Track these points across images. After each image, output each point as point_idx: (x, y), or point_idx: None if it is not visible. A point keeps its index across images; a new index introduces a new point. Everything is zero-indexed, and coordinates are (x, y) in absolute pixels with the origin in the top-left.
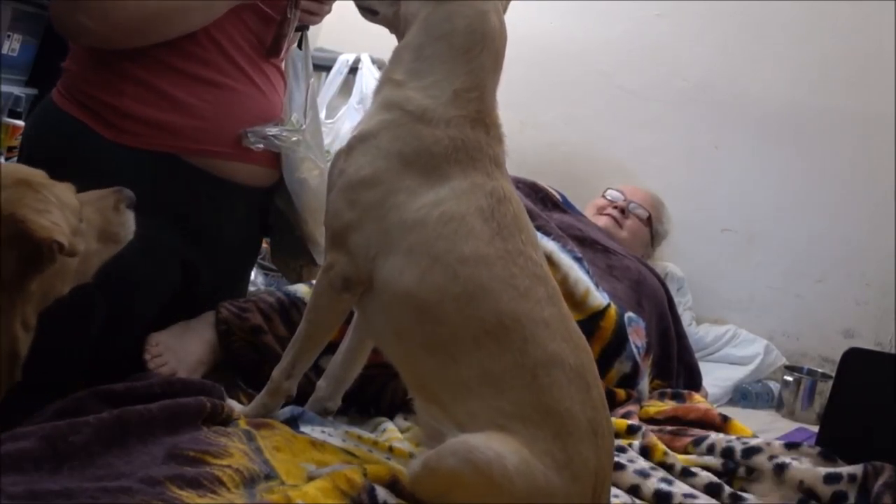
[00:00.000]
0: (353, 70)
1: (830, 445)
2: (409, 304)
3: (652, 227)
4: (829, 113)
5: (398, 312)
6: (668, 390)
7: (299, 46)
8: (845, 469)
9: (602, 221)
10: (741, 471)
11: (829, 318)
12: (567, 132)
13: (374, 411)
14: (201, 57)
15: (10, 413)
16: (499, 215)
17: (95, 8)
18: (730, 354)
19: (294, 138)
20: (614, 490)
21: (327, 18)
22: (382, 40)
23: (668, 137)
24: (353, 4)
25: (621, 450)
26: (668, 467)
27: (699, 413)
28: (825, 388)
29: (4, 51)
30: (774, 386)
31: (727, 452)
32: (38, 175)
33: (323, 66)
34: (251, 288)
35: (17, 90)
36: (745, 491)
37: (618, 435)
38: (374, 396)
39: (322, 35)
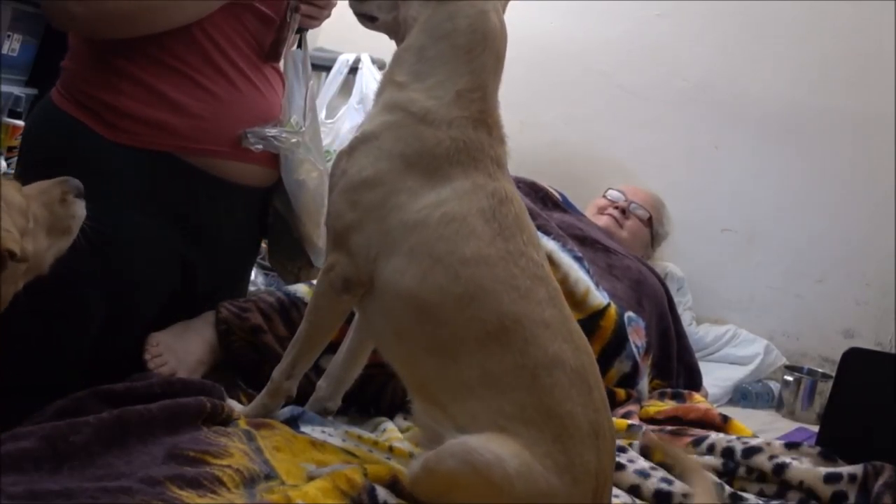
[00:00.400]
0: (353, 70)
1: (830, 445)
2: (410, 305)
3: (652, 228)
4: (829, 113)
5: (399, 313)
6: (668, 390)
7: (298, 47)
8: (845, 469)
9: (603, 221)
10: (741, 471)
11: (829, 318)
12: (567, 132)
13: (374, 411)
14: (200, 57)
15: (10, 413)
16: (500, 216)
17: None
18: (730, 354)
19: (293, 140)
20: (614, 490)
21: (327, 19)
22: (382, 40)
23: (668, 137)
24: None
25: (622, 450)
26: (669, 467)
27: (699, 413)
28: (825, 388)
29: (4, 51)
30: (774, 386)
31: (727, 452)
32: None
33: (323, 66)
34: (251, 288)
35: (17, 90)
36: (745, 491)
37: (618, 435)
38: (374, 396)
39: (322, 35)
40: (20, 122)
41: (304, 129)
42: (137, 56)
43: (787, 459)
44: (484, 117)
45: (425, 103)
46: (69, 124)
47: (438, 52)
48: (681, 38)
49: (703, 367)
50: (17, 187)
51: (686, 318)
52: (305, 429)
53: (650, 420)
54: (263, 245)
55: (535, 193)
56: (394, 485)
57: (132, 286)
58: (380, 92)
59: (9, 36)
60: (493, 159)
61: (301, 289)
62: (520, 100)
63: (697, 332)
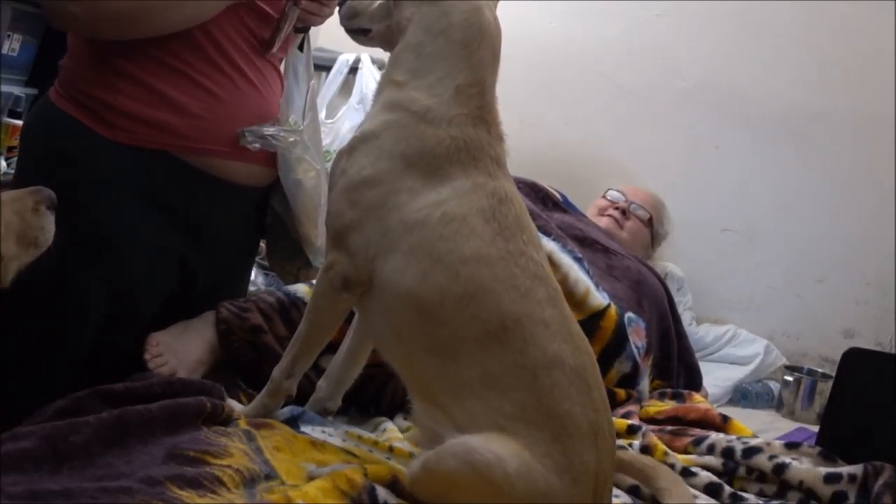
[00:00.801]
0: (353, 70)
1: (830, 445)
2: (410, 305)
3: (652, 228)
4: (829, 113)
5: (399, 313)
6: (668, 390)
7: (301, 48)
8: (845, 469)
9: (603, 222)
10: (741, 471)
11: (829, 318)
12: (567, 132)
13: (374, 411)
14: (199, 56)
15: (10, 413)
16: (500, 216)
17: None
18: (730, 354)
19: (291, 139)
20: (615, 490)
21: (329, 17)
22: None
23: (668, 137)
24: None
25: (621, 449)
26: (669, 467)
27: (699, 413)
28: (825, 388)
29: (4, 51)
30: (774, 386)
31: (727, 452)
32: None
33: (323, 66)
34: (251, 288)
35: (17, 90)
36: (745, 491)
37: (618, 435)
38: (374, 396)
39: (322, 35)
40: (20, 122)
41: (302, 128)
42: (136, 55)
43: (787, 459)
44: (483, 114)
45: (426, 101)
46: (67, 123)
47: (436, 49)
48: (681, 38)
49: (703, 367)
50: None
51: (686, 318)
52: (305, 429)
53: (650, 420)
54: (263, 245)
55: (536, 194)
56: (394, 485)
57: (131, 285)
58: (378, 92)
59: (9, 36)
60: (493, 158)
61: (301, 288)
62: (519, 100)
63: (697, 332)
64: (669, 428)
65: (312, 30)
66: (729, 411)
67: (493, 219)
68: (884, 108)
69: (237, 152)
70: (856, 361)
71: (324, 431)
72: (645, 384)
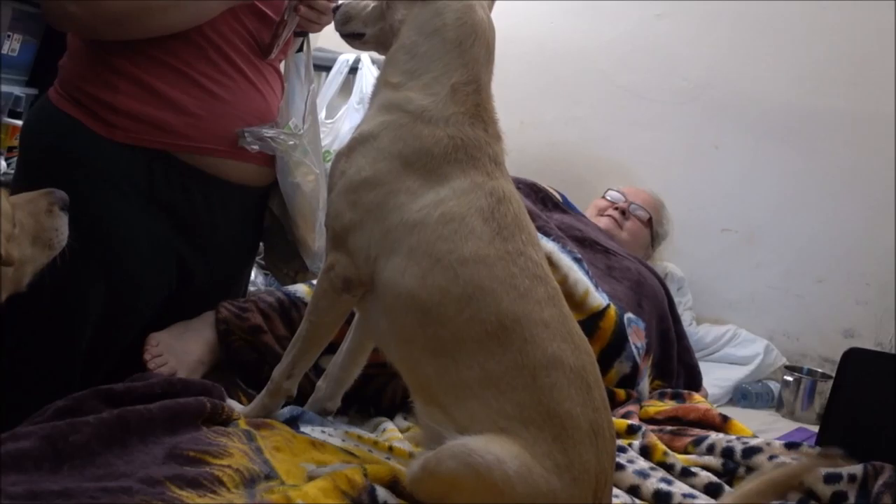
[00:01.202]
0: (353, 70)
1: (830, 445)
2: (410, 306)
3: (652, 229)
4: (829, 113)
5: (399, 314)
6: (668, 390)
7: (301, 51)
8: (845, 469)
9: (603, 223)
10: (741, 471)
11: (829, 318)
12: (567, 132)
13: (374, 411)
14: (198, 55)
15: (10, 413)
16: (499, 215)
17: None
18: (730, 354)
19: (290, 142)
20: (614, 490)
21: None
22: None
23: (668, 137)
24: None
25: (621, 450)
26: (668, 467)
27: (699, 413)
28: (825, 388)
29: (4, 51)
30: (774, 386)
31: (727, 452)
32: None
33: (323, 66)
34: (251, 288)
35: (17, 90)
36: None
37: (618, 435)
38: (374, 396)
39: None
40: (20, 122)
41: (302, 131)
42: (135, 54)
43: (787, 459)
44: (479, 112)
45: (422, 101)
46: (67, 123)
47: (430, 48)
48: (681, 38)
49: (703, 367)
50: (3, 194)
51: (686, 318)
52: (305, 429)
53: (650, 420)
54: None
55: (536, 194)
56: (394, 485)
57: (130, 284)
58: (374, 94)
59: (9, 36)
60: (491, 157)
61: (301, 289)
62: (519, 100)
63: (697, 332)
64: (669, 428)
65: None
66: (729, 411)
67: (492, 218)
68: (884, 108)
69: (236, 152)
70: (856, 361)
71: (324, 431)
72: (645, 384)
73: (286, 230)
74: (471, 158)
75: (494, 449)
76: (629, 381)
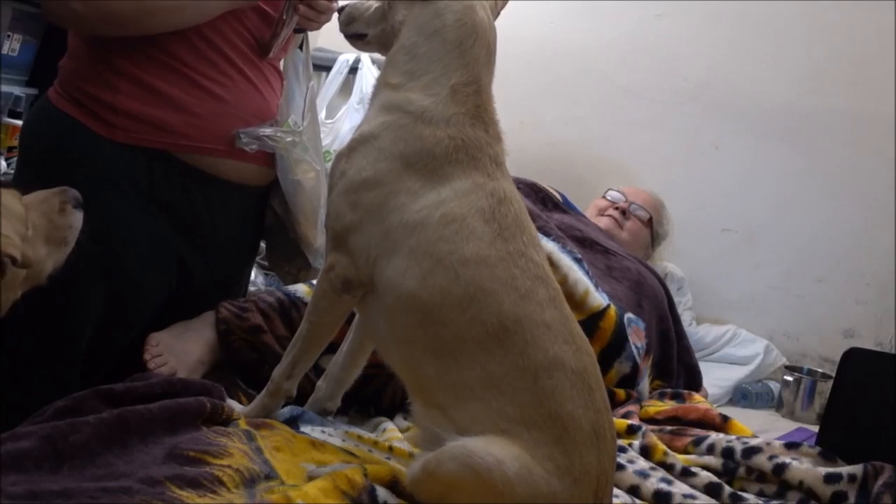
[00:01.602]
0: (353, 70)
1: (830, 445)
2: (411, 307)
3: (652, 229)
4: (829, 113)
5: (400, 315)
6: (668, 390)
7: (300, 48)
8: (845, 469)
9: (603, 223)
10: (741, 471)
11: (829, 318)
12: (567, 132)
13: (374, 411)
14: (197, 55)
15: (10, 413)
16: (500, 216)
17: None
18: (730, 354)
19: (289, 139)
20: (614, 490)
21: (327, 22)
22: None
23: (668, 137)
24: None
25: (621, 450)
26: (668, 467)
27: (699, 413)
28: (825, 388)
29: (4, 51)
30: (774, 386)
31: (727, 452)
32: None
33: (323, 66)
34: (251, 288)
35: (17, 90)
36: (745, 491)
37: (618, 435)
38: (374, 396)
39: (322, 35)
40: (20, 122)
41: (301, 128)
42: (135, 54)
43: (787, 459)
44: (480, 112)
45: (422, 102)
46: (66, 122)
47: (430, 49)
48: (681, 38)
49: (703, 367)
50: (16, 195)
51: (686, 318)
52: (305, 429)
53: (650, 420)
54: (263, 245)
55: (536, 194)
56: (394, 485)
57: (130, 284)
58: (374, 95)
59: (9, 36)
60: (492, 158)
61: (301, 289)
62: (520, 100)
63: (697, 332)
64: (669, 428)
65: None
66: (729, 411)
67: (493, 219)
68: (884, 108)
69: (236, 152)
70: (856, 361)
71: (324, 431)
72: (645, 384)
73: (288, 228)
74: (472, 159)
75: (494, 450)
76: (629, 381)
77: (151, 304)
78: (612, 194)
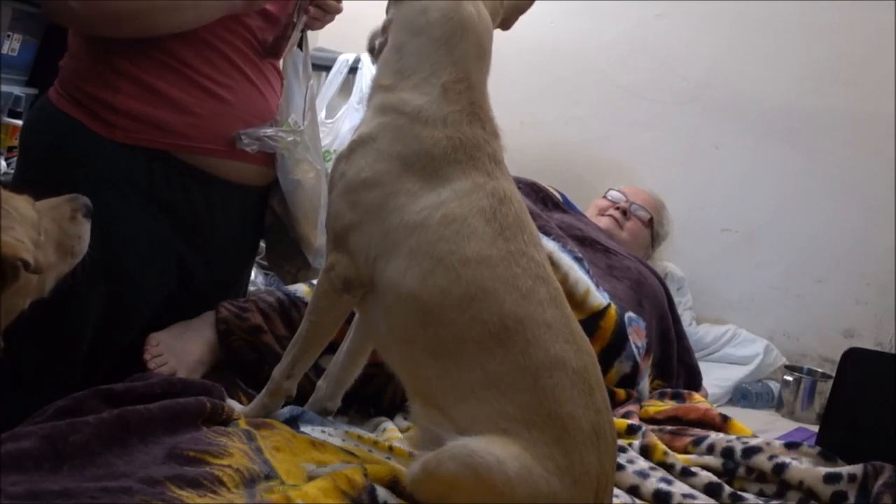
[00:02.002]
0: (353, 70)
1: (830, 445)
2: (411, 307)
3: (653, 230)
4: (829, 113)
5: (401, 315)
6: (668, 390)
7: (299, 47)
8: (845, 469)
9: (603, 222)
10: (741, 471)
11: (829, 318)
12: (567, 132)
13: (374, 411)
14: (197, 56)
15: (10, 413)
16: (500, 216)
17: None
18: (730, 354)
19: (290, 139)
20: (614, 490)
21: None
22: None
23: (668, 137)
24: (353, 5)
25: (621, 449)
26: (668, 467)
27: (699, 413)
28: (825, 388)
29: (4, 51)
30: (774, 386)
31: (727, 452)
32: None
33: (323, 66)
34: (251, 288)
35: (17, 90)
36: (745, 491)
37: (618, 435)
38: (374, 396)
39: (322, 35)
40: (20, 122)
41: (302, 128)
42: (136, 54)
43: (787, 459)
44: (475, 109)
45: (416, 102)
46: (66, 123)
47: (418, 47)
48: (681, 38)
49: (703, 367)
50: (29, 201)
51: (686, 318)
52: (305, 429)
53: (650, 420)
54: (263, 245)
55: (536, 194)
56: (394, 485)
57: (130, 284)
58: (369, 97)
59: (9, 36)
60: (491, 156)
61: (301, 288)
62: (520, 100)
63: (697, 332)
64: (669, 428)
65: (311, 30)
66: (729, 411)
67: (494, 219)
68: (884, 108)
69: (236, 152)
70: (856, 361)
71: (324, 431)
72: (645, 384)
73: (287, 227)
74: (471, 158)
75: (495, 450)
76: (629, 380)
77: (151, 304)
78: (613, 194)
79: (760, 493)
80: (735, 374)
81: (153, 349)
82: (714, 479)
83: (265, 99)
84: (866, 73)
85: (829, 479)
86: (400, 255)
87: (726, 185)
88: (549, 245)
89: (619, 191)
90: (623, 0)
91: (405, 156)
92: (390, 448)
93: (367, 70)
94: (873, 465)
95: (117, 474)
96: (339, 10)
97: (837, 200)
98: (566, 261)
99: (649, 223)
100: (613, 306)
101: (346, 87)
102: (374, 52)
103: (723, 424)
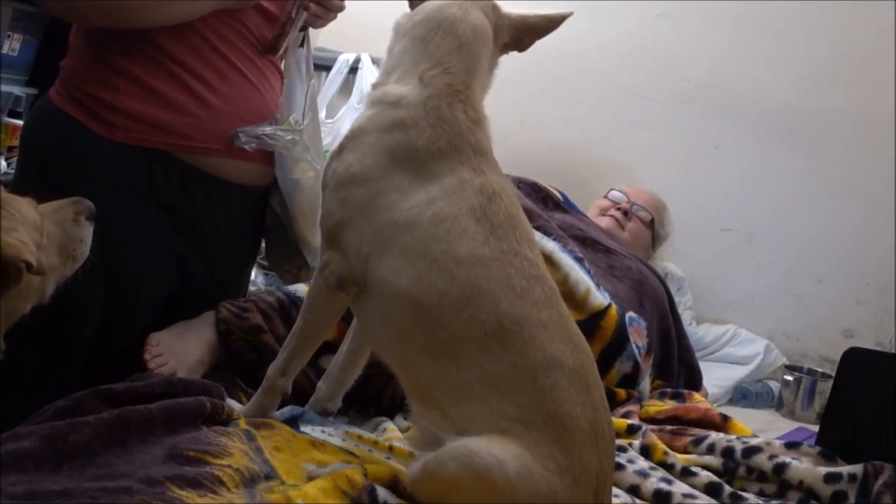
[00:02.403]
0: (353, 70)
1: (830, 445)
2: (406, 307)
3: (653, 230)
4: (829, 113)
5: (396, 315)
6: (668, 390)
7: (301, 46)
8: (845, 469)
9: (604, 222)
10: (741, 470)
11: (829, 318)
12: (567, 132)
13: (374, 411)
14: (198, 55)
15: (10, 413)
16: (491, 213)
17: None
18: (730, 354)
19: (289, 137)
20: (614, 490)
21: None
22: (382, 40)
23: (668, 137)
24: (353, 5)
25: (621, 449)
26: (669, 467)
27: (699, 413)
28: (825, 388)
29: (4, 51)
30: (774, 386)
31: (727, 452)
32: None
33: (323, 66)
34: (251, 288)
35: (17, 90)
36: (745, 491)
37: (618, 434)
38: (374, 396)
39: (322, 35)
40: (20, 122)
41: (302, 127)
42: (135, 54)
43: (787, 459)
44: (452, 92)
45: (398, 91)
46: (66, 123)
47: (402, 47)
48: (681, 38)
49: (703, 366)
50: (32, 203)
51: (686, 317)
52: (305, 429)
53: (650, 420)
54: (263, 244)
55: (536, 194)
56: (394, 485)
57: (130, 284)
58: (366, 97)
59: (9, 36)
60: (475, 147)
61: (301, 288)
62: (519, 100)
63: (697, 331)
64: (669, 428)
65: (313, 30)
66: (729, 411)
67: (485, 217)
68: (884, 108)
69: (236, 152)
70: (856, 361)
71: (324, 431)
72: (646, 384)
73: (287, 227)
74: (455, 150)
75: (495, 450)
76: (630, 380)
77: (151, 304)
78: (614, 194)
79: (760, 493)
80: (735, 373)
81: (153, 349)
82: (714, 478)
83: (265, 98)
84: (866, 73)
85: (830, 478)
86: (392, 253)
87: (726, 185)
88: (550, 245)
89: (620, 191)
90: (623, 0)
91: (392, 147)
92: (390, 448)
93: (368, 70)
94: (873, 464)
95: (117, 474)
96: (341, 9)
97: (837, 200)
98: (567, 261)
99: (650, 224)
100: (614, 306)
101: (346, 87)
102: None
103: (723, 424)
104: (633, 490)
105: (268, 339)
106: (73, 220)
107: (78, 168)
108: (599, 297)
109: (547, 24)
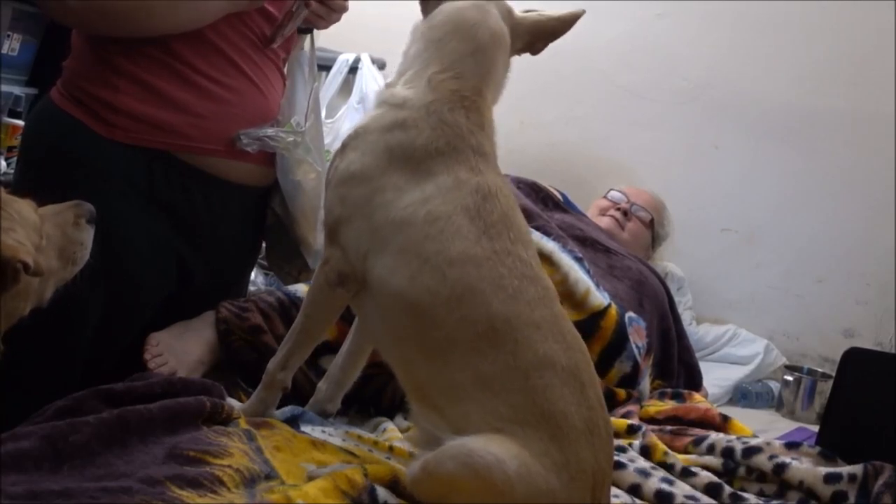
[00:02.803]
0: (353, 70)
1: (830, 445)
2: (401, 306)
3: (653, 230)
4: (829, 113)
5: (393, 314)
6: (668, 390)
7: (304, 48)
8: (845, 469)
9: (604, 222)
10: (741, 471)
11: (829, 318)
12: (567, 132)
13: (374, 411)
14: (198, 55)
15: (10, 413)
16: (485, 213)
17: None
18: (730, 354)
19: (290, 139)
20: (615, 490)
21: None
22: (382, 40)
23: (668, 137)
24: (353, 5)
25: (621, 450)
26: (669, 467)
27: (699, 413)
28: (825, 388)
29: (4, 51)
30: (774, 386)
31: (727, 452)
32: None
33: (323, 66)
34: (251, 288)
35: (17, 90)
36: (745, 491)
37: (618, 435)
38: (374, 396)
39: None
40: (20, 122)
41: (304, 129)
42: (137, 54)
43: (787, 459)
44: (458, 97)
45: (404, 94)
46: (67, 123)
47: (416, 49)
48: (681, 38)
49: (703, 366)
50: (32, 205)
51: (686, 317)
52: (306, 429)
53: (650, 420)
54: (263, 244)
55: (536, 194)
56: (394, 485)
57: (129, 283)
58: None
59: (9, 36)
60: (475, 149)
61: (301, 288)
62: (520, 100)
63: (697, 331)
64: (669, 428)
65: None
66: (729, 411)
67: (479, 217)
68: (884, 108)
69: (237, 152)
70: (856, 361)
71: (324, 431)
72: (646, 384)
73: (287, 228)
74: (454, 151)
75: (494, 449)
76: (630, 380)
77: (151, 304)
78: (614, 194)
79: (760, 493)
80: (735, 373)
81: (153, 349)
82: (714, 479)
83: (266, 99)
84: (866, 73)
85: (830, 479)
86: (388, 252)
87: (726, 185)
88: (550, 245)
89: (620, 191)
90: (623, 0)
91: (391, 146)
92: (390, 448)
93: (367, 70)
94: (873, 465)
95: (117, 474)
96: (344, 9)
97: (837, 200)
98: (566, 261)
99: (650, 224)
100: (614, 306)
101: (346, 87)
102: None
103: (723, 424)
104: (634, 490)
105: (268, 339)
106: (73, 223)
107: (78, 168)
108: (599, 297)
109: (560, 26)
